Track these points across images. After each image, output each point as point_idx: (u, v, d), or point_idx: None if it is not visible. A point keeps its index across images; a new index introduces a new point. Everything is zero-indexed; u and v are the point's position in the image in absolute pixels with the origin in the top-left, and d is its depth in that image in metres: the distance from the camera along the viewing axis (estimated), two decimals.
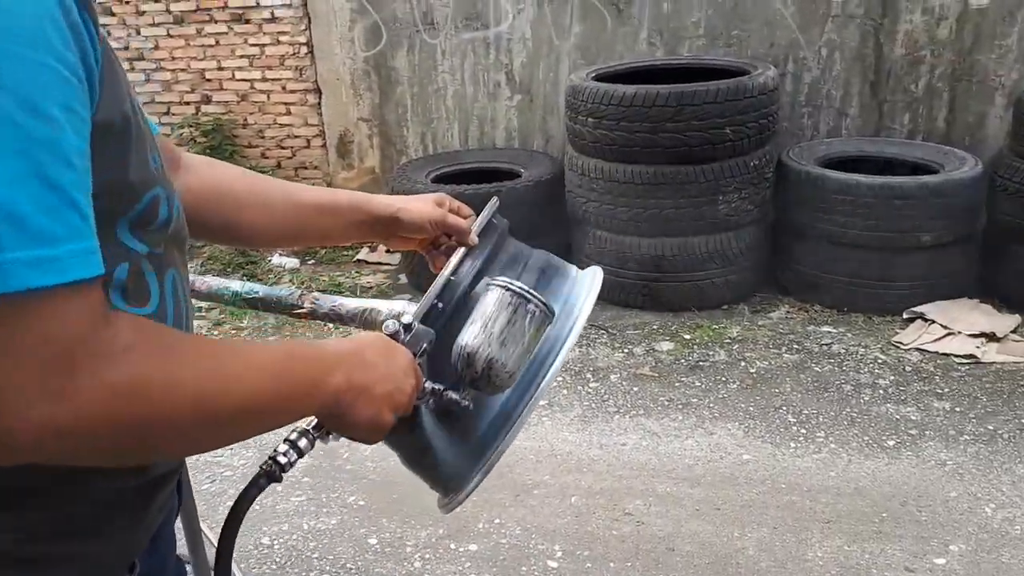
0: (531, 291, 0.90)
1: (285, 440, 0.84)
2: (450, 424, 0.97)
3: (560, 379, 3.32)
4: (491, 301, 0.90)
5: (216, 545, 0.87)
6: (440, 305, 0.94)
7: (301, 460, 0.86)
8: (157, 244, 0.74)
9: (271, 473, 0.83)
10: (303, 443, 0.84)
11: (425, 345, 0.90)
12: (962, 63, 4.02)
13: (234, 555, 2.32)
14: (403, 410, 0.83)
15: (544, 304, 0.90)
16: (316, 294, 1.81)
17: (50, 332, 0.53)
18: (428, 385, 0.90)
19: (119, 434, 0.58)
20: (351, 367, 0.77)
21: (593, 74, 4.00)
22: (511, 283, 0.90)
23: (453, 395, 0.91)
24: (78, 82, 0.57)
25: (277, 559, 2.44)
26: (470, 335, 0.89)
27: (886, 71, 4.15)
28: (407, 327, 0.89)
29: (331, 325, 3.79)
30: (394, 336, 0.88)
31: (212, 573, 2.23)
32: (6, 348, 0.52)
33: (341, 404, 0.76)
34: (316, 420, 0.84)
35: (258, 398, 0.68)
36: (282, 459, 0.83)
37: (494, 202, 1.10)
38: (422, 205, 1.08)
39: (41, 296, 0.52)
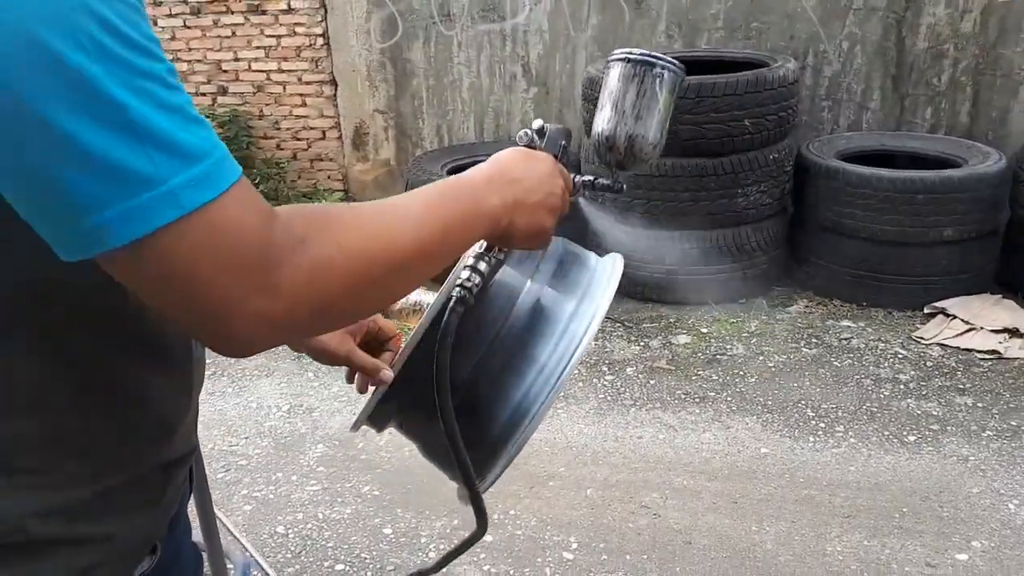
0: (653, 54, 0.87)
1: (465, 267, 0.85)
2: (471, 414, 0.95)
3: (576, 372, 3.29)
4: (614, 78, 0.88)
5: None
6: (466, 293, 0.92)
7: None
8: None
9: (463, 298, 0.84)
10: (482, 265, 0.86)
11: (563, 143, 0.89)
12: (986, 57, 3.96)
13: (249, 543, 2.31)
14: (560, 211, 0.85)
15: (671, 63, 0.87)
16: None
17: (234, 237, 0.56)
18: (578, 179, 0.90)
19: (325, 308, 0.62)
20: (501, 187, 0.79)
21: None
22: (630, 53, 0.88)
23: (604, 181, 0.91)
24: (145, 12, 0.58)
25: (292, 548, 2.44)
26: (603, 119, 0.88)
27: (908, 65, 4.10)
28: (540, 132, 0.88)
29: None
30: (530, 145, 0.88)
31: (226, 559, 2.23)
32: (206, 264, 0.55)
33: (502, 223, 0.78)
34: (486, 243, 0.85)
35: (425, 242, 0.70)
36: (468, 283, 0.84)
37: None
38: (328, 335, 1.03)
39: (212, 209, 0.55)
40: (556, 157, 0.88)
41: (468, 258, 0.86)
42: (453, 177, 0.79)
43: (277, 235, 0.58)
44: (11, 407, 0.67)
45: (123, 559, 0.77)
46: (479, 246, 0.86)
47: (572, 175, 0.90)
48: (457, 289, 0.84)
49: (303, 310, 0.60)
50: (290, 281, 0.58)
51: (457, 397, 0.91)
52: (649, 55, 0.87)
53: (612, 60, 0.89)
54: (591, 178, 0.92)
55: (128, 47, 0.53)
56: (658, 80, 0.87)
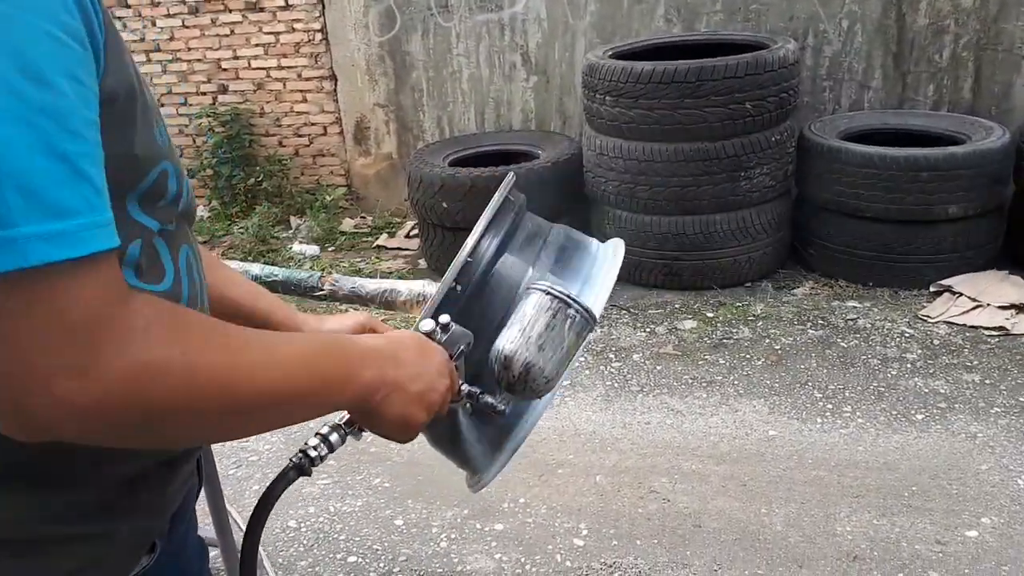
0: (572, 296, 0.87)
1: (316, 434, 0.83)
2: (477, 404, 0.96)
3: (582, 359, 3.31)
4: (530, 305, 0.88)
5: (243, 530, 0.87)
6: (458, 287, 0.92)
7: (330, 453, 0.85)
8: (168, 220, 0.72)
9: (300, 466, 0.82)
10: (334, 438, 0.83)
11: (462, 347, 0.88)
12: (987, 32, 3.93)
13: (260, 540, 2.34)
14: (436, 410, 0.82)
15: (585, 310, 0.88)
16: (336, 276, 1.82)
17: (68, 308, 0.52)
18: (465, 388, 0.89)
19: (139, 416, 0.57)
20: (384, 363, 0.76)
21: (610, 52, 3.96)
22: (551, 287, 0.88)
23: (489, 399, 0.89)
24: (83, 50, 0.55)
25: (304, 541, 2.46)
26: (508, 339, 0.87)
27: (909, 42, 4.07)
28: (444, 327, 0.87)
29: (354, 310, 3.80)
30: (430, 335, 0.86)
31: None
32: (25, 325, 0.51)
33: (373, 400, 0.75)
34: (347, 415, 0.83)
35: (286, 388, 0.66)
36: (312, 452, 0.83)
37: (510, 178, 1.08)
38: (346, 323, 1.04)
39: (58, 271, 0.51)
40: (451, 357, 0.86)
41: (324, 426, 0.84)
42: (344, 336, 0.77)
43: (121, 318, 0.54)
44: None
45: (121, 557, 0.78)
46: (339, 417, 0.83)
47: (461, 382, 0.88)
48: (299, 455, 0.82)
49: (117, 408, 0.55)
50: (111, 371, 0.54)
51: (464, 380, 0.92)
52: (568, 296, 0.87)
53: (533, 287, 0.89)
54: (478, 391, 0.89)
55: (35, 82, 0.50)
56: (570, 321, 0.87)
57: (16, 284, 0.50)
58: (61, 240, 0.51)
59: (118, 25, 5.08)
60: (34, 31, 0.51)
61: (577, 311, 0.87)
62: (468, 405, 0.90)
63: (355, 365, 0.73)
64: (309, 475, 0.83)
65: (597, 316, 0.94)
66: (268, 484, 0.82)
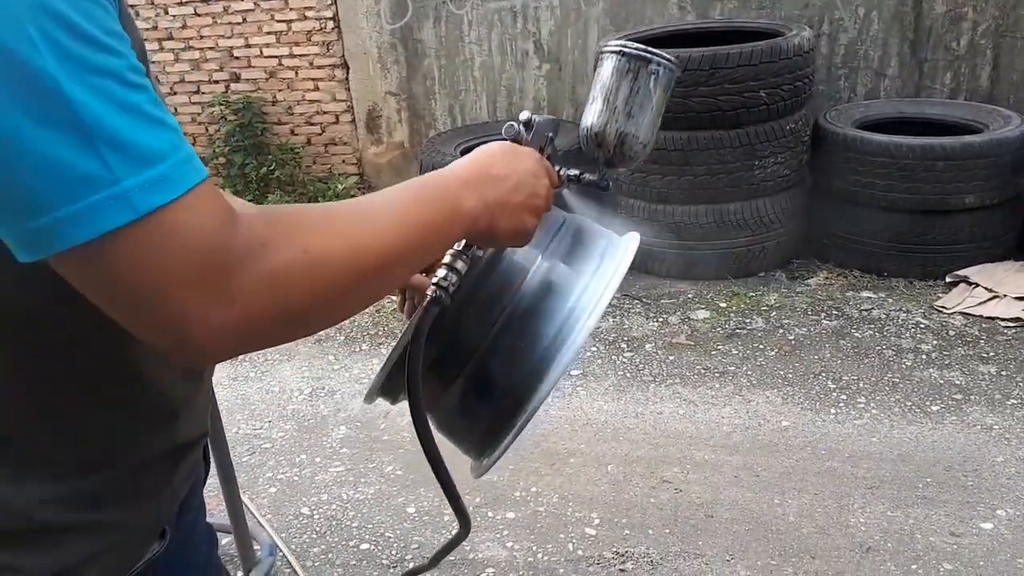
0: (649, 49, 0.84)
1: (442, 265, 0.84)
2: (483, 386, 0.95)
3: (594, 349, 3.30)
4: (607, 71, 0.85)
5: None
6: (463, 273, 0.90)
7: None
8: None
9: (437, 299, 0.82)
10: (459, 264, 0.83)
11: (550, 135, 0.87)
12: (1006, 19, 3.88)
13: (274, 526, 2.34)
14: (544, 210, 0.83)
15: (667, 59, 0.85)
16: None
17: (191, 243, 0.54)
18: (563, 173, 0.88)
19: (285, 319, 0.60)
20: (481, 186, 0.76)
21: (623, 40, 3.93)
22: (626, 45, 0.85)
23: (591, 177, 0.89)
24: (112, 7, 0.55)
25: (317, 528, 2.47)
26: (593, 113, 0.85)
27: (926, 29, 4.02)
28: (526, 123, 0.85)
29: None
30: (516, 140, 0.85)
31: (252, 541, 2.25)
32: (159, 270, 0.53)
33: (481, 223, 0.76)
34: (465, 240, 0.83)
35: (399, 247, 0.67)
36: (444, 283, 0.82)
37: None
38: None
39: (170, 212, 0.53)
40: (542, 151, 0.85)
41: (446, 255, 0.84)
42: (433, 173, 0.76)
43: (237, 240, 0.56)
44: (16, 397, 0.67)
45: (130, 544, 0.78)
46: (457, 243, 0.84)
47: (558, 169, 0.87)
48: (432, 288, 0.82)
49: (264, 319, 0.58)
50: (249, 289, 0.56)
51: (470, 368, 0.91)
52: (645, 51, 0.84)
53: (606, 51, 0.86)
54: (577, 173, 0.89)
55: (83, 42, 0.51)
56: (653, 77, 0.84)
57: (137, 235, 0.52)
58: (162, 184, 0.53)
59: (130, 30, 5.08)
60: None
61: (659, 63, 0.84)
62: (573, 188, 0.90)
63: (454, 200, 0.73)
64: (447, 305, 0.83)
65: (608, 300, 0.94)
66: (414, 320, 0.83)
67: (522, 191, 0.79)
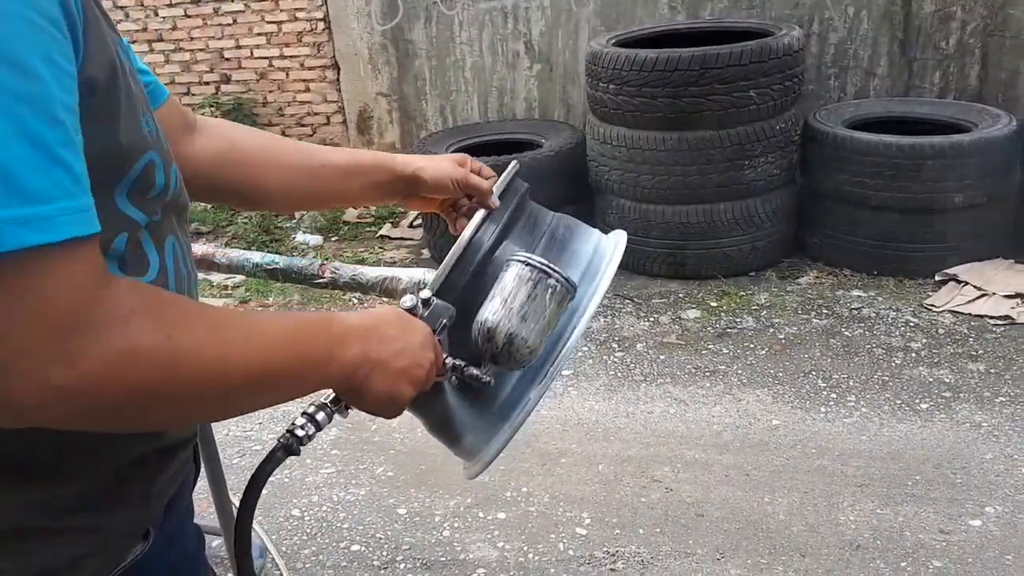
0: (551, 266, 0.88)
1: (303, 413, 0.84)
2: (472, 391, 0.96)
3: (585, 349, 3.30)
4: (511, 276, 0.88)
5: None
6: (457, 272, 0.93)
7: (322, 432, 0.85)
8: (155, 212, 0.72)
9: (288, 446, 0.82)
10: (320, 416, 0.83)
11: (445, 320, 0.88)
12: (994, 18, 3.90)
13: (265, 528, 2.35)
14: (422, 385, 0.82)
15: (565, 279, 0.88)
16: (336, 264, 1.80)
17: (49, 295, 0.52)
18: (449, 361, 0.89)
19: (125, 400, 0.57)
20: (367, 339, 0.76)
21: (614, 40, 3.94)
22: (531, 258, 0.88)
23: (474, 371, 0.90)
24: (60, 35, 0.54)
25: (308, 530, 2.46)
26: (490, 310, 0.87)
27: (915, 28, 4.04)
28: (426, 302, 0.87)
29: (356, 299, 3.80)
30: (412, 311, 0.86)
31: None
32: (7, 311, 0.51)
33: (357, 377, 0.75)
34: (333, 393, 0.83)
35: (269, 368, 0.66)
36: (300, 432, 0.82)
37: (514, 165, 1.07)
38: (444, 164, 1.06)
39: (37, 256, 0.51)
40: (434, 332, 0.85)
41: (310, 406, 0.84)
42: (324, 313, 0.77)
43: (101, 304, 0.54)
44: None
45: (113, 546, 0.78)
46: (324, 395, 0.84)
47: (445, 356, 0.88)
48: (286, 435, 0.82)
49: (102, 393, 0.55)
50: (96, 357, 0.54)
51: (461, 372, 0.92)
52: (548, 267, 0.87)
53: (512, 259, 0.89)
54: (461, 363, 0.89)
55: (10, 68, 0.50)
56: (551, 291, 0.87)
57: None
58: (38, 225, 0.51)
59: (119, 15, 5.08)
60: (10, 15, 0.51)
61: (558, 280, 0.88)
62: (454, 378, 0.91)
63: (337, 344, 0.73)
64: (297, 454, 0.83)
65: (598, 301, 0.94)
66: (257, 465, 0.82)
67: (406, 358, 0.78)
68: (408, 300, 0.87)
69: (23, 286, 0.51)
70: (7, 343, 0.52)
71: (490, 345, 0.88)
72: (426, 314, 0.87)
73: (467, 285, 0.93)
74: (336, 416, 0.85)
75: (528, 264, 0.88)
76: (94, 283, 0.54)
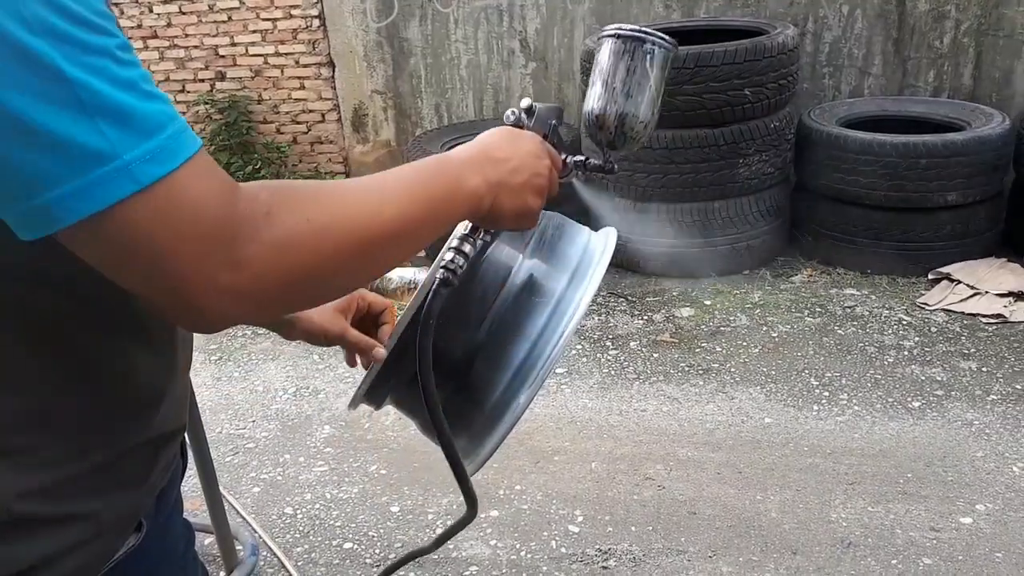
0: (644, 29, 0.85)
1: (448, 248, 0.85)
2: (467, 388, 0.96)
3: (579, 347, 3.31)
4: (605, 54, 0.86)
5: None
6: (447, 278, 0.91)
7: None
8: None
9: (446, 280, 0.83)
10: (467, 247, 0.85)
11: (552, 122, 0.88)
12: (988, 17, 3.91)
13: (258, 524, 2.32)
14: (548, 191, 0.84)
15: (661, 38, 0.86)
16: None
17: (194, 210, 0.55)
18: (569, 159, 0.89)
19: (290, 286, 0.61)
20: (483, 167, 0.77)
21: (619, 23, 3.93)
22: (620, 28, 0.86)
23: (597, 161, 0.90)
24: None
25: (300, 528, 2.46)
26: (593, 97, 0.86)
27: (909, 28, 4.04)
28: (528, 110, 0.87)
29: None
30: (517, 124, 0.86)
31: (235, 540, 2.24)
32: (165, 240, 0.55)
33: (484, 205, 0.77)
34: (471, 224, 0.85)
35: (404, 224, 0.69)
36: (451, 265, 0.84)
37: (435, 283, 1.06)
38: (320, 315, 1.01)
39: (170, 184, 0.55)
40: (545, 137, 0.86)
41: (453, 239, 0.85)
42: (436, 156, 0.78)
43: (240, 208, 0.58)
44: None
45: (107, 536, 0.78)
46: (464, 227, 0.85)
47: (563, 155, 0.88)
48: (441, 271, 0.83)
49: (269, 285, 0.60)
50: (255, 256, 0.58)
51: (453, 371, 0.92)
52: (639, 30, 0.85)
53: (603, 36, 0.87)
54: (582, 158, 0.90)
55: (76, 23, 0.52)
56: (649, 56, 0.85)
57: (142, 206, 0.54)
58: (161, 155, 0.54)
59: (114, 11, 5.06)
60: None
61: (654, 43, 0.85)
62: (580, 174, 0.91)
63: (457, 179, 0.75)
64: (456, 286, 0.84)
65: (589, 299, 0.94)
66: (421, 302, 0.84)
67: (524, 172, 0.80)
68: (510, 115, 0.87)
69: (170, 213, 0.55)
70: (177, 267, 0.56)
71: (602, 133, 0.87)
72: (531, 123, 0.87)
73: (457, 286, 0.93)
74: (482, 241, 0.87)
75: (619, 36, 0.85)
76: (226, 190, 0.58)
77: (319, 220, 0.62)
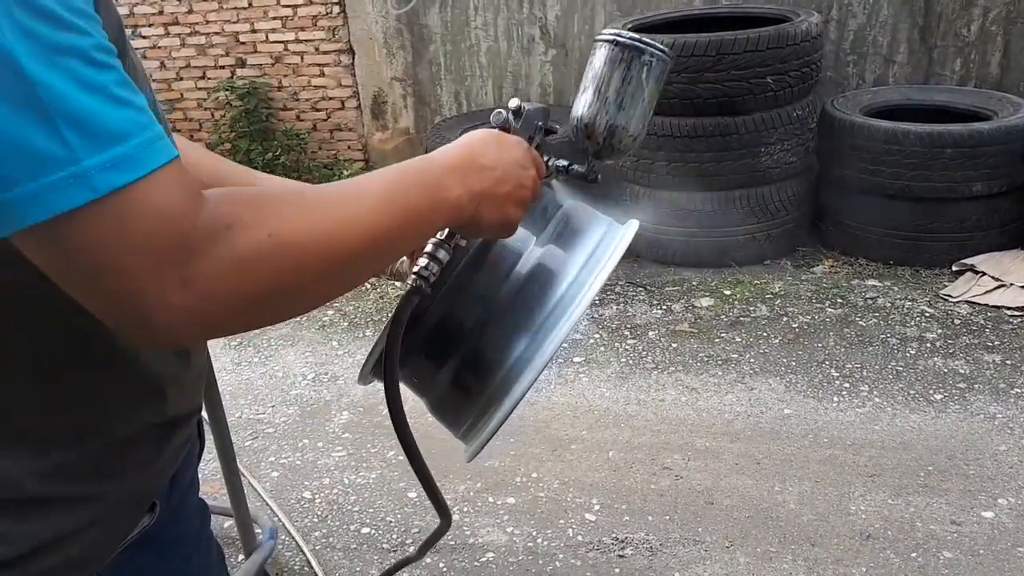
0: (643, 39, 0.83)
1: (424, 254, 0.83)
2: (473, 365, 0.95)
3: (597, 336, 3.30)
4: (600, 60, 0.83)
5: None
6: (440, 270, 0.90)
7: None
8: None
9: (418, 288, 0.82)
10: (441, 254, 0.83)
11: (540, 123, 0.85)
12: (1017, 5, 3.83)
13: (277, 507, 2.34)
14: (529, 202, 0.82)
15: (660, 50, 0.83)
16: None
17: (151, 224, 0.53)
18: (552, 163, 0.87)
19: (248, 303, 0.58)
20: (466, 175, 0.75)
21: (630, 25, 3.90)
22: (619, 34, 0.83)
23: (580, 169, 0.88)
24: None
25: (319, 512, 2.48)
26: (584, 103, 0.84)
27: (936, 15, 3.98)
28: (516, 112, 0.84)
29: (369, 284, 3.80)
30: (504, 127, 0.83)
31: (254, 523, 2.26)
32: (118, 251, 0.53)
33: (465, 214, 0.75)
34: (448, 230, 0.83)
35: (377, 235, 0.65)
36: (425, 272, 0.82)
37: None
38: None
39: (129, 194, 0.52)
40: (531, 140, 0.83)
41: (428, 244, 0.83)
42: (417, 159, 0.75)
43: (200, 222, 0.55)
44: (5, 368, 0.68)
45: (119, 516, 0.79)
46: (441, 233, 0.83)
47: (547, 159, 0.85)
48: (413, 278, 0.82)
49: (224, 304, 0.57)
50: (209, 273, 0.55)
51: (461, 350, 0.91)
52: (639, 40, 0.82)
53: (600, 40, 0.84)
54: (565, 164, 0.87)
55: (46, 21, 0.50)
56: (646, 68, 0.82)
57: (97, 216, 0.51)
58: (124, 164, 0.52)
59: (113, 14, 5.06)
60: None
61: (653, 54, 0.83)
62: (560, 179, 0.90)
63: (438, 188, 0.72)
64: (428, 295, 0.83)
65: (600, 284, 0.92)
66: (394, 310, 0.82)
67: (508, 182, 0.78)
68: (497, 117, 0.84)
69: (125, 225, 0.52)
70: (128, 280, 0.53)
71: (590, 142, 0.85)
72: (519, 126, 0.84)
73: (470, 269, 0.92)
74: (457, 247, 0.85)
75: (616, 43, 0.83)
76: (187, 203, 0.55)
77: (283, 234, 0.58)
